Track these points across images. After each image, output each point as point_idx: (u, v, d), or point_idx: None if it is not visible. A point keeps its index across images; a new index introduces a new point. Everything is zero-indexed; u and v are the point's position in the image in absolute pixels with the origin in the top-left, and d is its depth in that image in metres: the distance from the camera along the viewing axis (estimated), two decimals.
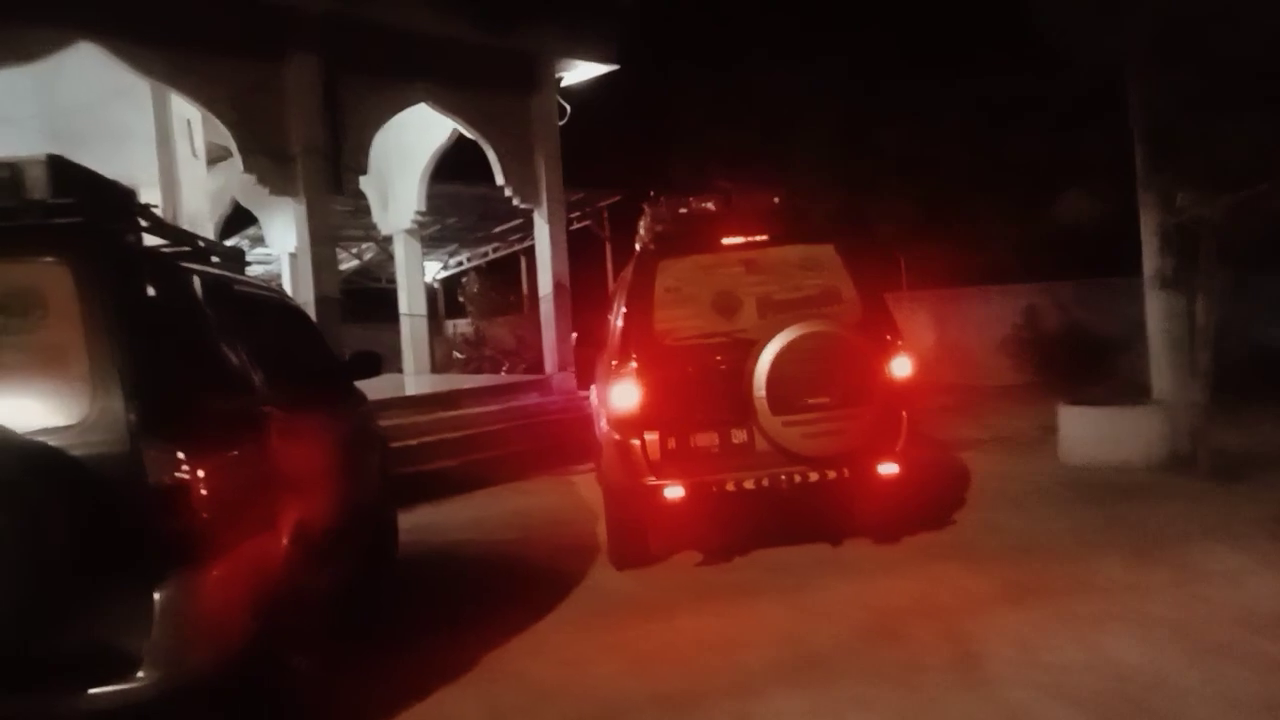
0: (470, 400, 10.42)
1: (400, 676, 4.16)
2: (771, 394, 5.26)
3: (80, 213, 3.23)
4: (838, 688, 3.76)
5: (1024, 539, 5.72)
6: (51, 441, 2.79)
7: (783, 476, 5.35)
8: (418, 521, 7.06)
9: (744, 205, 6.16)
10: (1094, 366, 12.80)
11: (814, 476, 5.35)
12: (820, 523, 5.90)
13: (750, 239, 5.80)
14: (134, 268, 3.31)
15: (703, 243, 5.81)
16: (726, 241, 5.79)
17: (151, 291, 3.28)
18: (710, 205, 6.20)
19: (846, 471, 5.37)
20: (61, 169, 3.26)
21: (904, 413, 5.49)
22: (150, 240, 3.87)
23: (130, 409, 2.85)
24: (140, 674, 2.79)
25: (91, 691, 2.77)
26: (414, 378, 13.52)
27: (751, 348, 5.34)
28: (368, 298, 19.20)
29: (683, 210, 6.23)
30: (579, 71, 11.91)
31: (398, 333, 14.50)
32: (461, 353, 18.59)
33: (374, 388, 6.01)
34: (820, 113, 15.28)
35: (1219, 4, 6.83)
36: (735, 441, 5.43)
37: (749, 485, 5.35)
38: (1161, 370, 8.04)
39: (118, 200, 3.62)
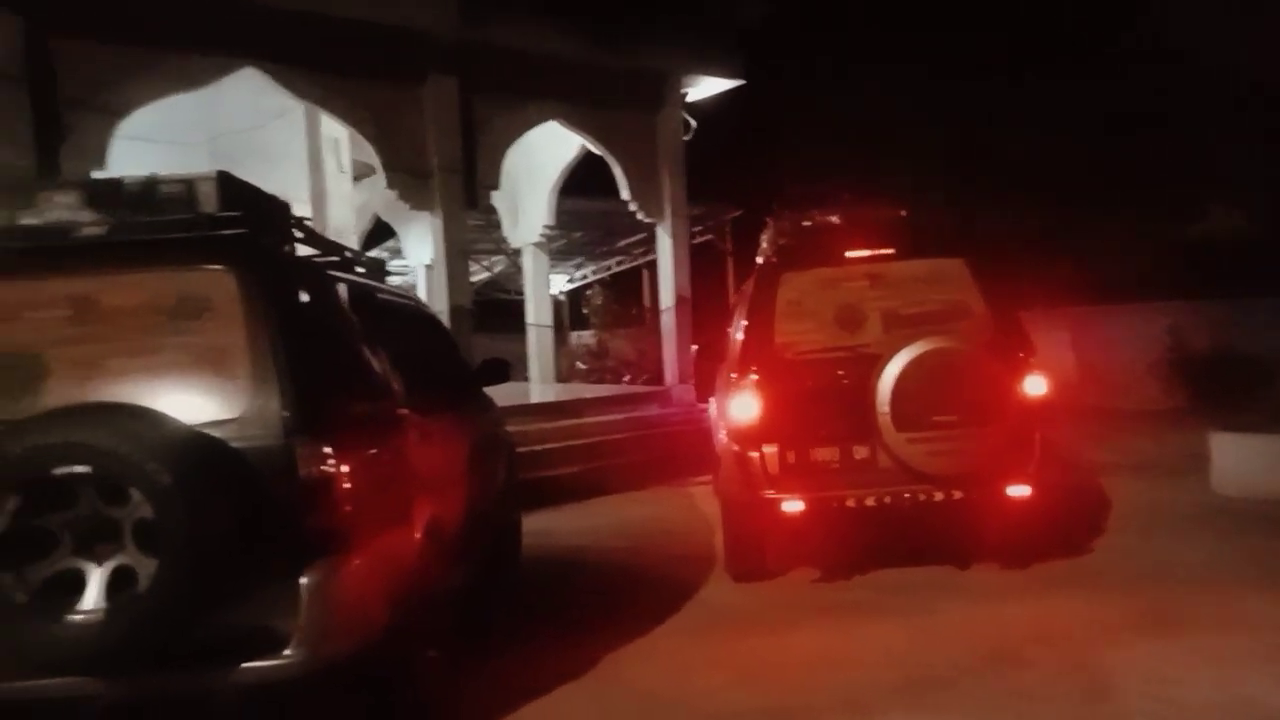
0: (592, 409, 10.63)
1: (518, 675, 4.28)
2: (896, 410, 5.17)
3: (244, 225, 3.51)
4: (954, 712, 3.66)
5: (1164, 569, 5.41)
6: (215, 434, 3.04)
7: (906, 495, 5.25)
8: (539, 525, 7.25)
9: (869, 219, 6.08)
10: (1248, 391, 11.90)
11: (939, 496, 5.23)
12: (944, 544, 5.74)
13: (875, 253, 5.72)
14: (290, 276, 3.57)
15: (826, 256, 5.77)
16: (851, 255, 5.73)
17: (304, 298, 3.53)
18: (834, 219, 6.16)
19: (973, 492, 5.22)
20: (228, 185, 3.55)
21: (1037, 434, 5.30)
22: (303, 251, 4.17)
23: (284, 406, 3.08)
24: (287, 652, 3.00)
25: (244, 666, 2.99)
26: (539, 386, 13.87)
27: (875, 362, 5.26)
28: (496, 308, 19.82)
29: (806, 224, 6.21)
30: (704, 87, 12.01)
31: (524, 342, 14.92)
32: (584, 363, 18.96)
33: (501, 395, 6.23)
34: (940, 123, 14.91)
35: None
36: (857, 457, 5.36)
37: (870, 502, 5.27)
38: None
39: (276, 214, 3.91)
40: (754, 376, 5.49)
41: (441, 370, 5.34)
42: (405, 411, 3.98)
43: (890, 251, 5.72)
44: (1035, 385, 5.34)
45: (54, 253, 3.43)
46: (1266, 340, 11.57)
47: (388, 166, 9.57)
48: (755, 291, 5.82)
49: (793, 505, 5.29)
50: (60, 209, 3.44)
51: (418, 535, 3.75)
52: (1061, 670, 4.00)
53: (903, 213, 6.20)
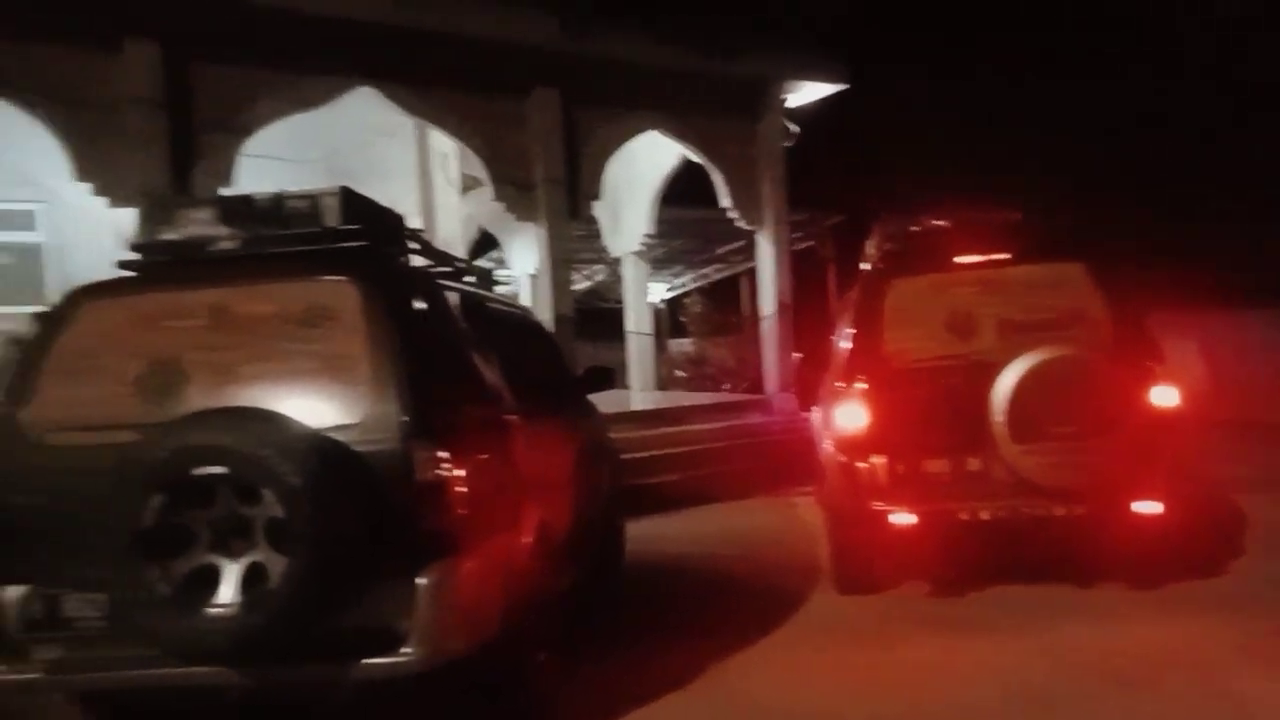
0: (692, 417, 10.62)
1: (624, 681, 4.29)
2: (1013, 421, 4.98)
3: (364, 238, 3.66)
4: None
5: None
6: (338, 438, 3.16)
7: (1023, 509, 5.04)
8: (641, 532, 7.27)
9: (981, 222, 5.89)
10: None
11: (1059, 511, 5.00)
12: (1063, 561, 5.49)
13: (989, 257, 5.54)
14: (407, 287, 3.70)
15: (936, 261, 5.61)
16: (962, 260, 5.57)
17: (420, 308, 3.65)
18: (944, 223, 5.99)
19: (1097, 507, 4.98)
20: (350, 200, 3.72)
21: (1166, 446, 5.02)
22: (417, 261, 4.31)
23: (403, 411, 3.18)
24: (405, 650, 3.09)
25: (365, 662, 3.10)
26: (639, 394, 13.95)
27: (990, 371, 5.08)
28: (596, 317, 20.05)
29: (914, 228, 6.06)
30: (805, 93, 11.89)
31: (624, 350, 15.04)
32: (683, 371, 18.98)
33: (602, 402, 6.28)
34: (1057, 125, 14.35)
35: None
36: (970, 469, 5.18)
37: (984, 516, 5.08)
38: None
39: (393, 226, 4.07)
40: (861, 385, 5.38)
41: (547, 377, 5.42)
42: (514, 417, 4.06)
43: (1004, 256, 5.52)
44: (1164, 395, 5.06)
45: (192, 266, 3.65)
46: None
47: (495, 179, 9.81)
48: (862, 298, 5.70)
49: (902, 518, 5.15)
50: (197, 225, 3.65)
51: (527, 539, 3.81)
52: (1200, 697, 3.77)
53: (1016, 215, 5.98)
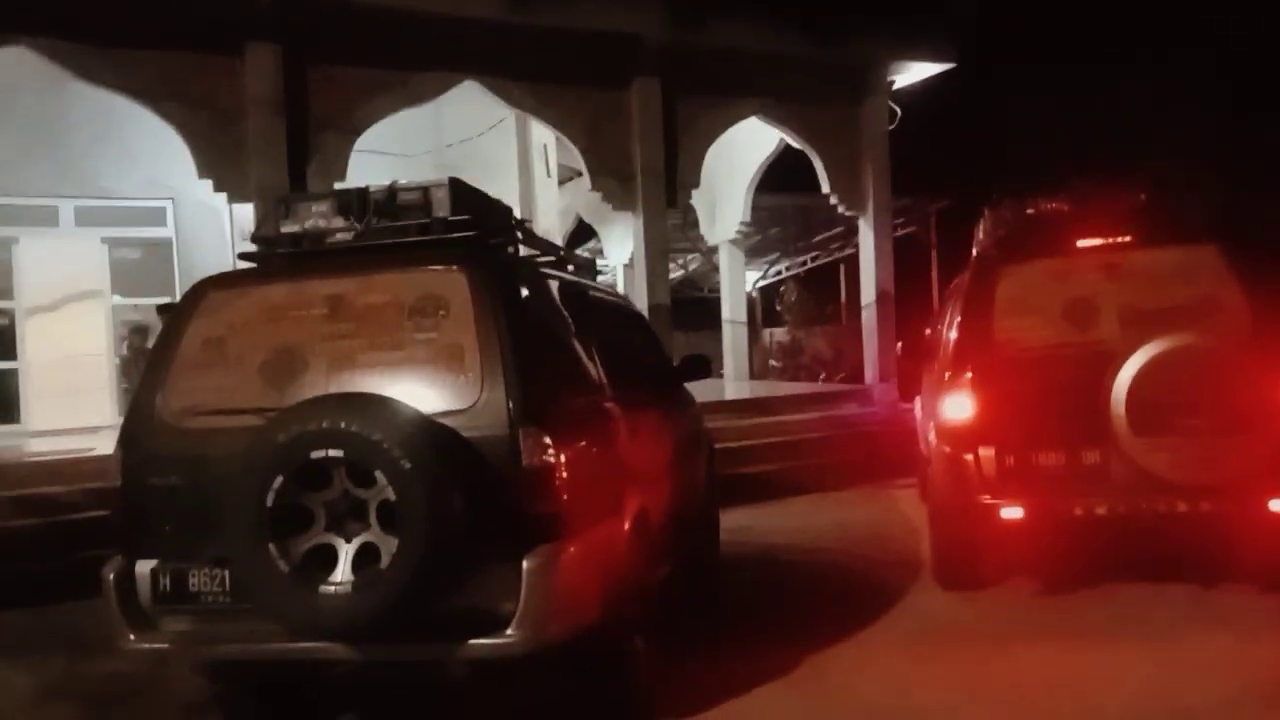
0: (789, 407, 10.51)
1: (720, 672, 4.25)
2: (1134, 412, 4.73)
3: (473, 229, 3.74)
4: None
5: None
6: (448, 423, 3.24)
7: (1144, 505, 4.80)
8: (737, 523, 7.24)
9: (1102, 204, 5.61)
10: None
11: (1183, 508, 4.74)
12: (1190, 563, 5.20)
13: (1110, 241, 5.28)
14: (514, 276, 3.76)
15: (1052, 246, 5.39)
16: (1081, 244, 5.33)
17: (527, 297, 3.70)
18: (1061, 205, 5.73)
19: (1226, 505, 4.70)
20: (459, 191, 3.79)
21: None
22: (523, 251, 4.38)
23: (510, 398, 3.23)
24: (509, 632, 3.15)
25: (471, 642, 3.17)
26: (734, 383, 13.89)
27: (1110, 361, 4.84)
28: (690, 306, 20.04)
29: (1029, 211, 5.82)
30: (912, 73, 11.58)
31: (718, 339, 14.99)
32: (778, 360, 18.80)
33: (697, 391, 6.26)
34: (1188, 101, 13.52)
35: None
36: (1086, 463, 4.95)
37: (1101, 512, 4.86)
38: None
39: (501, 217, 4.14)
40: (969, 375, 5.21)
41: (646, 365, 5.44)
42: (614, 405, 4.08)
43: (1128, 239, 5.26)
44: None
45: (311, 257, 3.79)
46: None
47: (593, 170, 9.89)
48: (971, 285, 5.52)
49: (1011, 512, 4.97)
50: (316, 217, 3.79)
51: (627, 526, 3.83)
52: None
53: (1142, 196, 5.67)
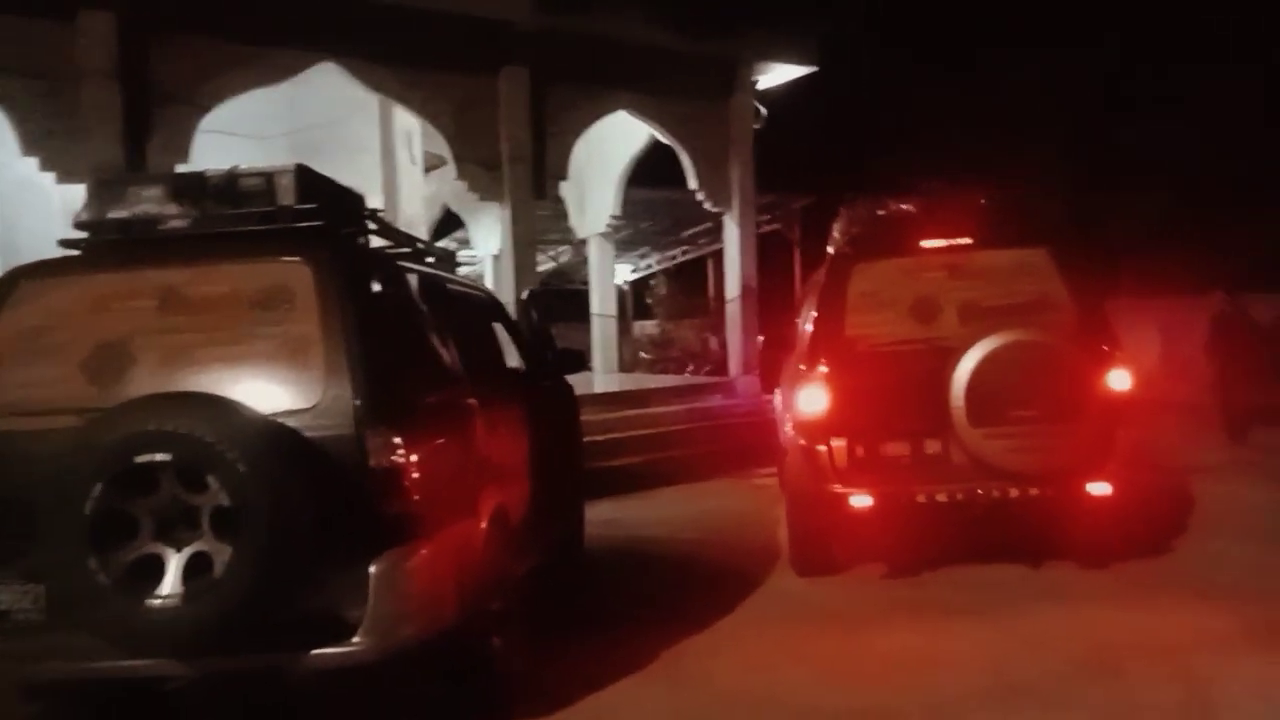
0: (656, 399, 10.62)
1: (585, 664, 4.27)
2: (972, 404, 5.02)
3: (321, 218, 3.57)
4: None
5: (1259, 575, 5.16)
6: (290, 423, 3.09)
7: (980, 491, 5.10)
8: (603, 515, 7.26)
9: (948, 207, 5.91)
10: None
11: (1015, 493, 5.07)
12: (1019, 542, 5.56)
13: (954, 242, 5.56)
14: (364, 268, 3.62)
15: (902, 246, 5.64)
16: (927, 245, 5.59)
17: (378, 290, 3.58)
18: (910, 207, 6.01)
19: (1052, 490, 5.05)
20: (306, 178, 3.62)
21: (1120, 430, 5.09)
22: (377, 242, 4.23)
23: (357, 396, 3.12)
24: (356, 639, 3.04)
25: (314, 652, 3.05)
26: (603, 376, 13.91)
27: (951, 355, 5.11)
28: (561, 298, 19.95)
29: (881, 212, 6.07)
30: (776, 74, 11.86)
31: (588, 332, 14.98)
32: (648, 353, 18.96)
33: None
34: (1045, 108, 14.41)
35: None
36: (929, 452, 5.22)
37: (942, 498, 5.14)
38: None
39: (351, 206, 3.97)
40: (823, 369, 5.39)
41: (509, 360, 5.37)
42: (473, 401, 4.01)
43: (969, 241, 5.55)
44: (1120, 380, 5.13)
45: (142, 245, 3.55)
46: None
47: (459, 158, 9.68)
48: (826, 282, 5.71)
49: (861, 500, 5.19)
50: (147, 203, 3.54)
51: (485, 524, 3.78)
52: (1161, 681, 3.82)
53: (982, 200, 6.01)
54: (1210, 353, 10.08)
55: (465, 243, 16.66)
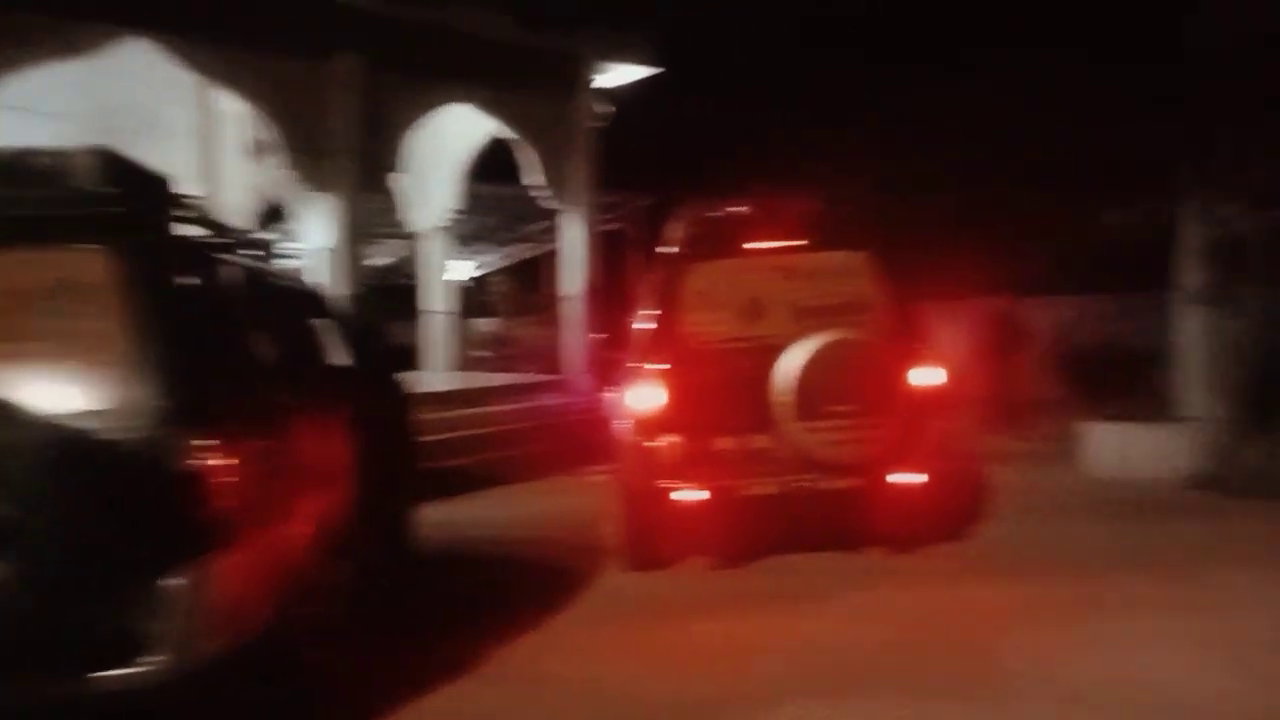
0: (491, 398, 10.50)
1: (415, 669, 4.18)
2: (796, 400, 5.27)
3: (122, 203, 3.31)
4: (857, 698, 3.77)
5: (1046, 553, 5.69)
6: (87, 425, 2.86)
7: (802, 483, 5.37)
8: (435, 517, 7.10)
9: (779, 210, 6.16)
10: (1128, 382, 12.62)
11: (833, 484, 5.36)
12: (839, 531, 5.88)
13: (783, 244, 5.82)
14: (171, 259, 3.40)
15: (734, 247, 5.84)
16: (758, 246, 5.82)
17: (186, 282, 3.36)
18: (744, 210, 6.22)
19: (866, 480, 5.37)
20: (107, 160, 3.34)
21: (929, 423, 5.48)
22: (190, 232, 3.97)
23: (161, 395, 2.92)
24: (152, 659, 2.82)
25: (107, 674, 2.79)
26: (438, 375, 13.62)
27: (778, 353, 5.35)
28: (398, 294, 19.39)
29: (715, 214, 6.26)
30: (618, 74, 11.97)
31: (424, 329, 14.64)
32: (486, 351, 18.73)
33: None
34: (862, 116, 15.27)
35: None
36: (756, 447, 5.45)
37: (767, 491, 5.37)
38: (1193, 387, 7.93)
39: (158, 191, 3.71)
40: (657, 366, 5.52)
41: (332, 358, 5.18)
42: (294, 401, 3.85)
43: (798, 243, 5.82)
44: (929, 376, 5.52)
45: None
46: (1150, 334, 12.25)
47: (287, 145, 9.24)
48: (661, 281, 5.85)
49: (690, 495, 5.35)
50: None
51: (303, 528, 3.63)
52: (955, 655, 4.16)
53: (812, 205, 6.30)
54: (995, 351, 11.03)
55: (295, 235, 15.90)
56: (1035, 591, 4.96)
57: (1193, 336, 7.95)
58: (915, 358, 5.50)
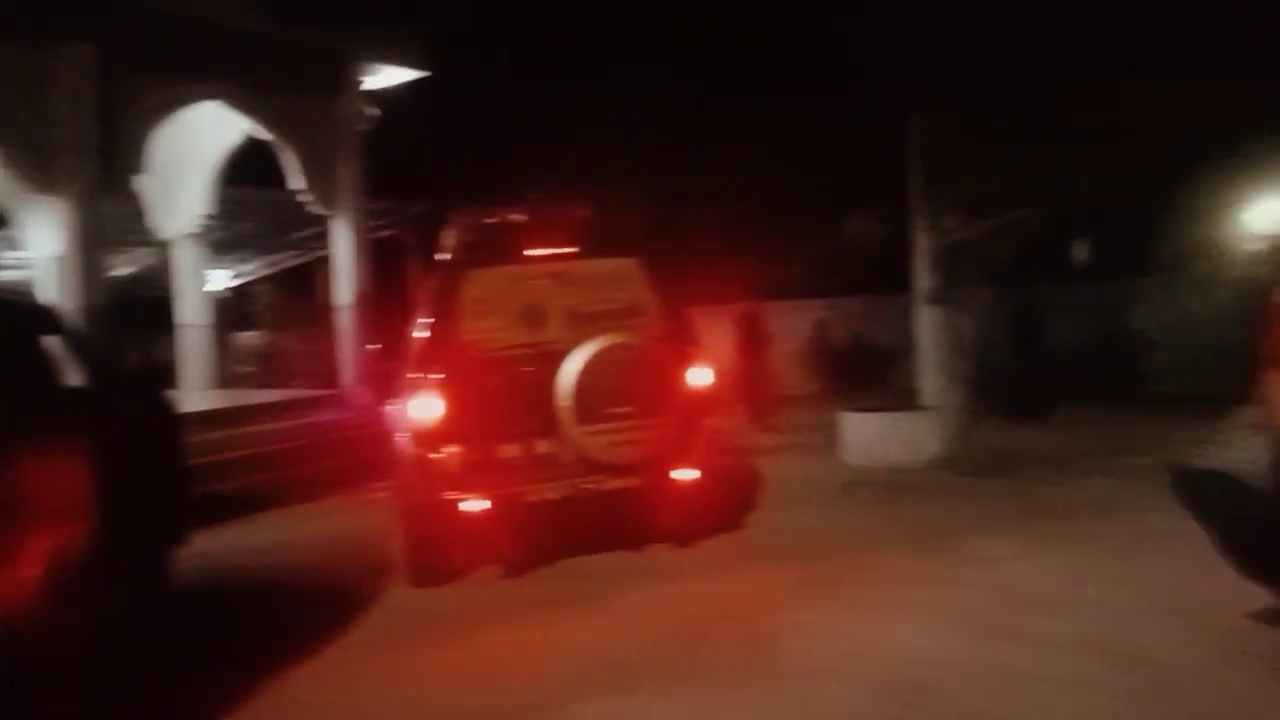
0: (258, 417, 9.82)
1: (178, 712, 3.87)
2: (577, 404, 5.33)
3: None
4: (642, 692, 3.84)
5: (811, 537, 6.09)
6: None
7: (585, 485, 5.44)
8: (204, 546, 6.54)
9: (553, 217, 6.20)
10: (877, 375, 13.90)
11: (615, 484, 5.47)
12: (623, 530, 5.99)
13: (558, 251, 5.85)
14: None
15: (510, 254, 5.81)
16: (534, 253, 5.82)
17: None
18: (519, 217, 6.21)
19: (646, 479, 5.52)
20: None
21: (703, 421, 5.71)
22: None
23: None
24: None
25: None
26: (196, 393, 12.55)
27: (558, 359, 5.38)
28: (144, 308, 17.71)
29: (490, 221, 6.20)
30: (387, 76, 11.59)
31: (180, 344, 13.46)
32: (249, 366, 17.48)
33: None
34: (636, 128, 15.77)
35: (991, 46, 7.66)
36: (540, 452, 5.46)
37: (551, 495, 5.39)
38: (931, 379, 8.82)
39: None
40: (436, 376, 5.39)
41: (66, 380, 4.62)
42: (17, 428, 3.39)
43: (572, 250, 5.87)
44: (701, 376, 5.75)
45: None
46: (894, 331, 13.49)
47: (4, 142, 8.17)
48: (438, 289, 5.72)
49: (475, 505, 5.27)
50: None
51: (31, 570, 3.21)
52: (735, 639, 4.35)
53: (585, 212, 6.39)
54: (743, 351, 11.77)
55: (18, 243, 14.10)
56: (803, 573, 5.30)
57: (929, 333, 8.85)
58: (687, 359, 5.71)
